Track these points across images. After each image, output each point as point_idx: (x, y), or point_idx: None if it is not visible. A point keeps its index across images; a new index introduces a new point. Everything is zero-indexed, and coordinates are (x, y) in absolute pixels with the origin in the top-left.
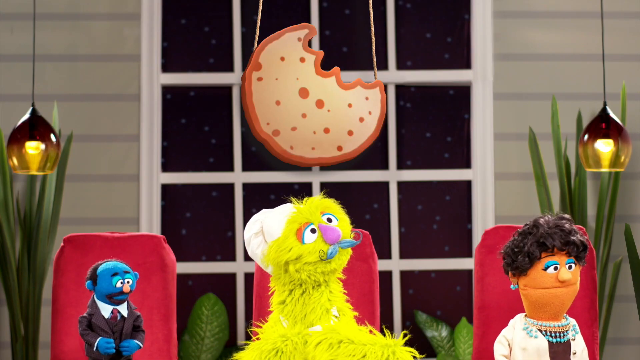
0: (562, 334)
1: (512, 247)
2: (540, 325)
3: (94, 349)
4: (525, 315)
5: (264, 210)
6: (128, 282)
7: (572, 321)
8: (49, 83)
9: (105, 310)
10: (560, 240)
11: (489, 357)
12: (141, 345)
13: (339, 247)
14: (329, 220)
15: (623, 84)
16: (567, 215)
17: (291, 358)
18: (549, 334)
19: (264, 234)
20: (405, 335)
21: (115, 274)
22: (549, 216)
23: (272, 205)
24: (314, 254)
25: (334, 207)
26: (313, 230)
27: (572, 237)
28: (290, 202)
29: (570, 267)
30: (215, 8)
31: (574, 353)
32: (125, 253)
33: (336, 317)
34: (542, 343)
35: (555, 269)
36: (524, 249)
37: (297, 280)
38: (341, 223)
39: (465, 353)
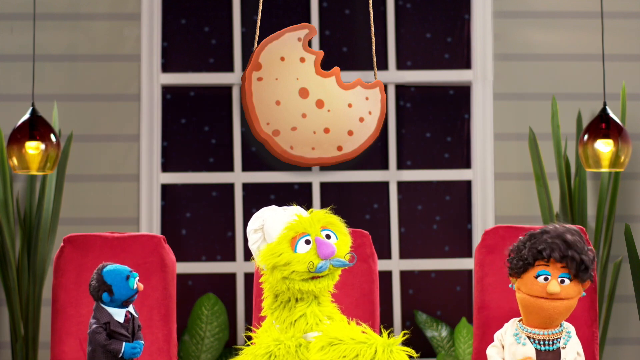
0: (551, 342)
1: (515, 247)
2: (530, 332)
3: (120, 355)
4: (519, 320)
5: (272, 207)
6: (137, 279)
7: (567, 327)
8: (49, 83)
9: (119, 315)
10: (558, 253)
11: None
12: (144, 342)
13: (330, 264)
14: (328, 236)
15: (623, 84)
16: (577, 230)
17: None
18: (537, 341)
19: (263, 232)
20: (404, 335)
21: (128, 277)
22: (562, 226)
23: (272, 205)
24: (303, 265)
25: (337, 224)
26: (308, 242)
27: (571, 252)
28: (300, 206)
29: (562, 282)
30: (215, 8)
31: None
32: (125, 253)
33: (330, 324)
34: (530, 351)
35: (546, 279)
36: (521, 253)
37: (279, 289)
38: (340, 242)
39: (465, 353)
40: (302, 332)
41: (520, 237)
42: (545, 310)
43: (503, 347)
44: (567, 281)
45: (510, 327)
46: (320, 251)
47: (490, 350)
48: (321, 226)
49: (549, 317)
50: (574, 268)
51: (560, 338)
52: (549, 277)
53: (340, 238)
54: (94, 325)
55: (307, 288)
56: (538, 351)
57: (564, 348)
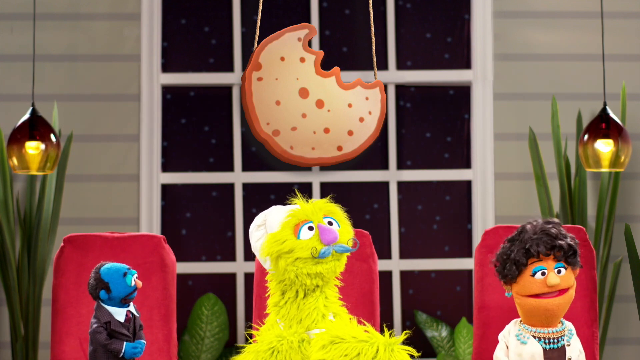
0: (556, 340)
1: (501, 255)
2: (534, 332)
3: (121, 355)
4: (520, 321)
5: (274, 206)
6: (136, 277)
7: (568, 325)
8: (49, 83)
9: (120, 314)
10: (544, 246)
11: (489, 357)
12: (145, 342)
13: (333, 249)
14: (330, 223)
15: (623, 84)
16: (555, 220)
17: (287, 357)
18: (543, 340)
19: (266, 227)
20: (406, 334)
21: (125, 274)
22: (537, 221)
23: (272, 205)
24: (307, 250)
25: (338, 212)
26: (310, 228)
27: (558, 242)
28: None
29: (559, 272)
30: (215, 8)
31: (569, 359)
32: (125, 253)
33: (332, 321)
34: (537, 349)
35: (543, 274)
36: (511, 257)
37: (288, 280)
38: (342, 230)
39: (465, 353)
40: (306, 329)
41: (502, 245)
42: (549, 310)
43: (507, 347)
44: (563, 271)
45: (513, 327)
46: (323, 237)
47: (499, 353)
48: (323, 214)
49: (553, 315)
50: (564, 255)
51: (564, 336)
52: (545, 271)
53: (342, 225)
54: (95, 325)
55: (314, 270)
56: (544, 349)
57: (568, 345)
